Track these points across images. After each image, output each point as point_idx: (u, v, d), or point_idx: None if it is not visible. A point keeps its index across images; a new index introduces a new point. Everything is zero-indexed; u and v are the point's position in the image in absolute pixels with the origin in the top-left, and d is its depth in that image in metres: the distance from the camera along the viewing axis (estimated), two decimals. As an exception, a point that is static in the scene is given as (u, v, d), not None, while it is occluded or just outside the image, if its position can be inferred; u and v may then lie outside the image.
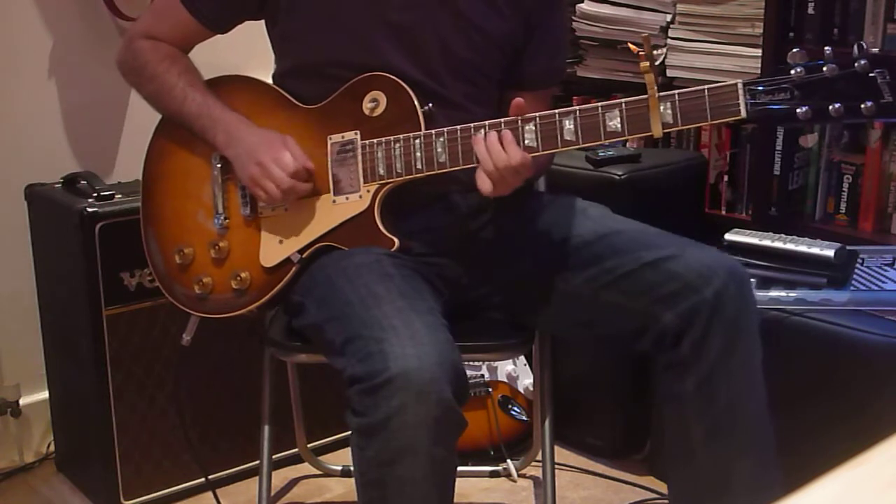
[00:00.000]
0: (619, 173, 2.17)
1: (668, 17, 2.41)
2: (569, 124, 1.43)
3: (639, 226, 1.61)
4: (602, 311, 1.56)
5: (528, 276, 1.62)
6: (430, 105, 1.56)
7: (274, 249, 1.61)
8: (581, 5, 2.53)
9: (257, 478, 1.83)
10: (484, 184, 1.46)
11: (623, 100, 1.41)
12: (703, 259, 1.50)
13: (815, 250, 1.93)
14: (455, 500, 1.40)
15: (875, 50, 1.32)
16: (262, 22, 1.69)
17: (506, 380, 2.31)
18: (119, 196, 2.01)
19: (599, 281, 1.55)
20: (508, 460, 2.24)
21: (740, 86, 1.34)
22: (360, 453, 1.34)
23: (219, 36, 1.71)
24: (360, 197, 1.57)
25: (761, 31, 2.23)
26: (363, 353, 1.32)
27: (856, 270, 1.92)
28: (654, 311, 1.48)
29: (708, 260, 1.50)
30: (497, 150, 1.44)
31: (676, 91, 1.38)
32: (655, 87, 1.38)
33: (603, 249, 1.56)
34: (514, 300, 1.67)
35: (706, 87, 1.36)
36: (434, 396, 1.28)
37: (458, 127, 1.50)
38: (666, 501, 2.12)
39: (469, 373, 2.23)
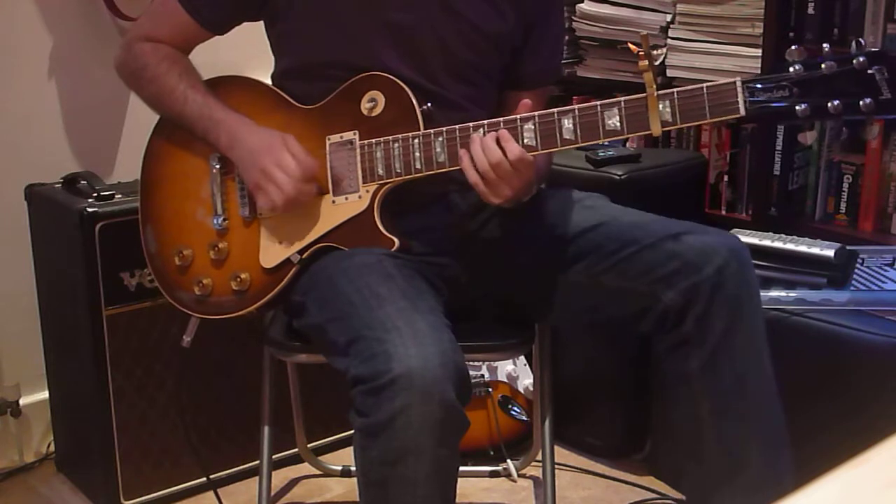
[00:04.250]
0: (619, 173, 2.17)
1: (668, 17, 2.40)
2: (568, 123, 1.43)
3: (637, 212, 1.61)
4: (604, 296, 1.56)
5: (529, 271, 1.62)
6: (429, 104, 1.56)
7: (273, 250, 1.61)
8: (581, 5, 2.53)
9: (257, 478, 1.83)
10: (470, 175, 1.45)
11: (622, 98, 1.41)
12: (703, 238, 1.50)
13: (815, 250, 1.93)
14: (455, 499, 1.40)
15: (873, 48, 1.32)
16: (262, 22, 1.69)
17: (506, 380, 2.31)
18: (119, 196, 2.01)
19: (599, 267, 1.55)
20: (508, 460, 2.24)
21: (739, 84, 1.34)
22: (363, 453, 1.34)
23: (219, 36, 1.71)
24: (360, 197, 1.57)
25: (761, 31, 2.23)
26: (366, 353, 1.32)
27: (856, 270, 1.92)
28: (656, 291, 1.49)
29: (708, 238, 1.50)
30: (489, 144, 1.43)
31: (675, 89, 1.38)
32: (654, 86, 1.38)
33: (602, 236, 1.56)
34: (516, 296, 1.67)
35: (705, 85, 1.36)
36: (437, 397, 1.28)
37: (457, 126, 1.50)
38: (666, 501, 2.12)
39: (469, 373, 2.23)
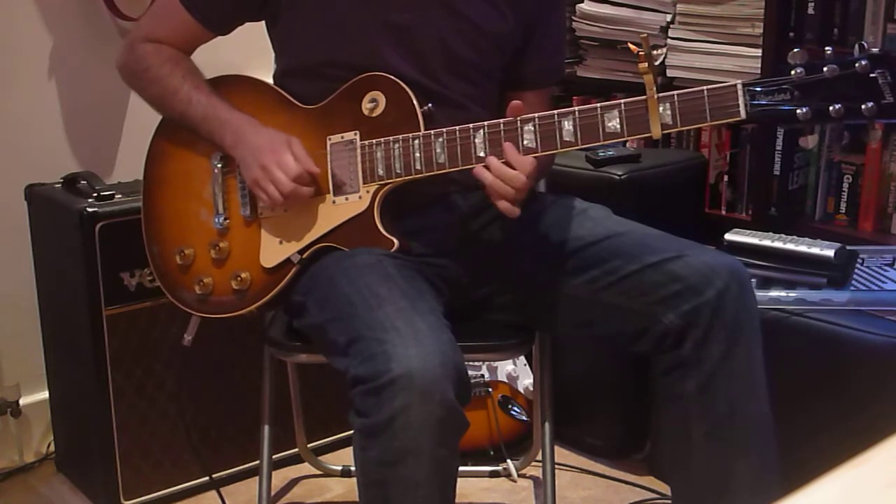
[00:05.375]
0: (619, 173, 2.17)
1: (668, 17, 2.41)
2: (568, 125, 1.43)
3: (640, 227, 1.61)
4: (603, 312, 1.56)
5: (529, 277, 1.62)
6: (430, 105, 1.56)
7: (274, 250, 1.61)
8: (581, 5, 2.53)
9: (257, 478, 1.83)
10: (510, 212, 1.46)
11: (622, 100, 1.41)
12: (704, 260, 1.50)
13: (815, 250, 1.93)
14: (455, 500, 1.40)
15: (875, 50, 1.32)
16: (263, 22, 1.69)
17: (506, 380, 2.31)
18: (119, 196, 2.01)
19: (601, 282, 1.55)
20: (508, 460, 2.24)
21: (740, 86, 1.34)
22: (362, 454, 1.34)
23: (219, 36, 1.71)
24: (360, 197, 1.57)
25: (761, 31, 2.24)
26: (366, 353, 1.32)
27: (856, 270, 1.92)
28: (656, 312, 1.48)
29: (710, 261, 1.50)
30: (504, 172, 1.44)
31: (675, 92, 1.38)
32: (654, 88, 1.37)
33: (604, 251, 1.56)
34: (515, 301, 1.67)
35: (705, 87, 1.36)
36: (437, 397, 1.28)
37: (458, 127, 1.50)
38: (666, 501, 2.12)
39: (469, 373, 2.24)
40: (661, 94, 1.38)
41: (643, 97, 1.39)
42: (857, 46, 1.30)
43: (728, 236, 2.02)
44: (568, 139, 1.44)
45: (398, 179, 1.54)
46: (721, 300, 1.45)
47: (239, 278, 1.63)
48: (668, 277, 1.49)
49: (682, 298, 1.46)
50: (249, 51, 1.88)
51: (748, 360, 1.47)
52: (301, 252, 1.59)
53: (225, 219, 1.66)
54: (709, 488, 1.50)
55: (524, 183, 1.45)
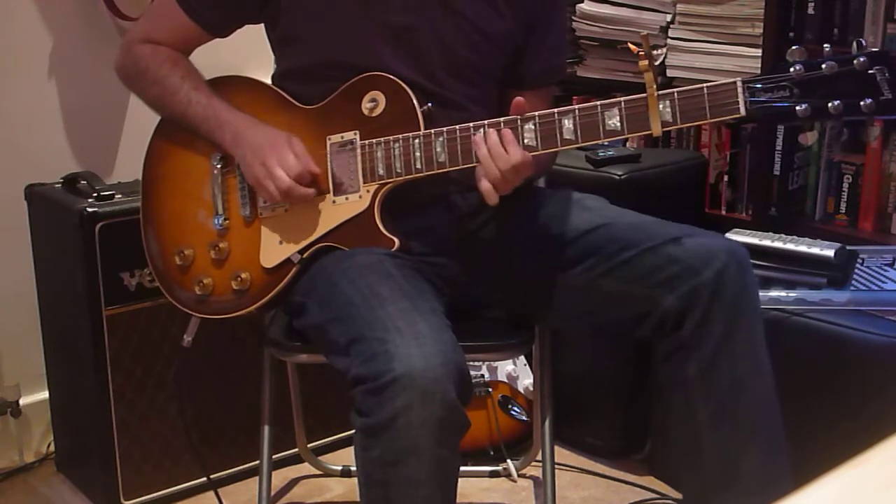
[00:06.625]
0: (620, 173, 2.17)
1: (668, 17, 2.41)
2: (568, 123, 1.43)
3: (637, 215, 1.62)
4: (603, 299, 1.56)
5: (529, 272, 1.62)
6: (430, 105, 1.56)
7: (274, 250, 1.61)
8: (581, 5, 2.53)
9: (257, 478, 1.83)
10: (490, 195, 1.45)
11: (622, 98, 1.41)
12: (702, 242, 1.50)
13: (815, 250, 1.93)
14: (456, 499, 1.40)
15: (874, 48, 1.32)
16: (262, 24, 1.69)
17: (506, 380, 2.31)
18: (119, 196, 2.01)
19: (598, 269, 1.55)
20: (508, 460, 2.24)
21: (739, 84, 1.34)
22: (363, 453, 1.34)
23: (217, 38, 1.71)
24: (360, 197, 1.57)
25: (761, 31, 2.24)
26: (367, 353, 1.32)
27: (856, 270, 1.92)
28: (655, 296, 1.48)
29: (707, 243, 1.50)
30: (498, 150, 1.44)
31: (675, 89, 1.38)
32: (654, 86, 1.37)
33: (601, 239, 1.56)
34: (516, 297, 1.67)
35: (705, 85, 1.36)
36: (439, 397, 1.28)
37: (458, 126, 1.50)
38: (666, 501, 2.12)
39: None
40: (660, 92, 1.38)
41: (643, 94, 1.39)
42: (855, 43, 1.30)
43: (728, 236, 2.02)
44: (568, 137, 1.44)
45: (398, 179, 1.54)
46: (719, 280, 1.45)
47: (239, 278, 1.63)
48: (665, 260, 1.49)
49: (680, 280, 1.46)
50: (249, 51, 1.87)
51: (750, 340, 1.47)
52: (301, 252, 1.59)
53: (225, 219, 1.65)
54: (717, 476, 1.49)
55: (508, 164, 1.43)
